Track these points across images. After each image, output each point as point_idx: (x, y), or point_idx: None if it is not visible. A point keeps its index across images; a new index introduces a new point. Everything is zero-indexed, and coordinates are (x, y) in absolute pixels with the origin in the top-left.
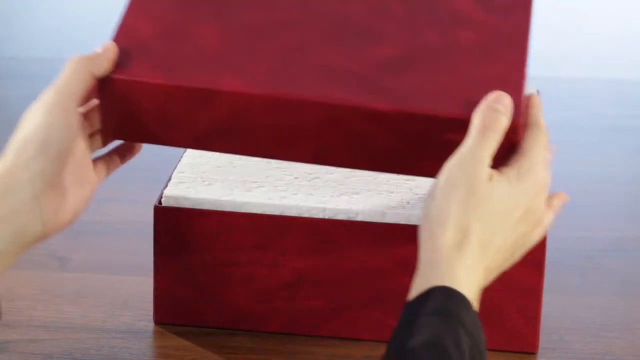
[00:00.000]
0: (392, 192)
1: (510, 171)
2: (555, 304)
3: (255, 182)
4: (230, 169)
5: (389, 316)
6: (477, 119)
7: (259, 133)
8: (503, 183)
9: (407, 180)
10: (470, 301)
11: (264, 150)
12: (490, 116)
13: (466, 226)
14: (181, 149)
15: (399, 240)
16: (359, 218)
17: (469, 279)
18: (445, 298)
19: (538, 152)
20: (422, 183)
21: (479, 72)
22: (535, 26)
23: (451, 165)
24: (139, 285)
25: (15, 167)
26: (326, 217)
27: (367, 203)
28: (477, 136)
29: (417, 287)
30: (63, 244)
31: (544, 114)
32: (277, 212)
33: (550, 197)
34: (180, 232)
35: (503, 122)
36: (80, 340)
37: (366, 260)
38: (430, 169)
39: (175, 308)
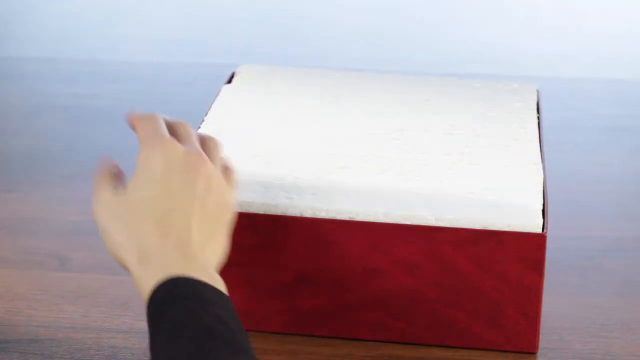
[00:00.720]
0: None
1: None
2: (555, 304)
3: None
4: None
5: (389, 316)
6: None
7: None
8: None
9: (406, 181)
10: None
11: None
12: None
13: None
14: None
15: (399, 240)
16: (359, 218)
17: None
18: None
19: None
20: (422, 184)
21: None
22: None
23: None
24: None
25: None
26: (326, 217)
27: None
28: None
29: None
30: (63, 244)
31: (544, 113)
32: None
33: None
34: None
35: None
36: (80, 340)
37: (366, 260)
38: None
39: None
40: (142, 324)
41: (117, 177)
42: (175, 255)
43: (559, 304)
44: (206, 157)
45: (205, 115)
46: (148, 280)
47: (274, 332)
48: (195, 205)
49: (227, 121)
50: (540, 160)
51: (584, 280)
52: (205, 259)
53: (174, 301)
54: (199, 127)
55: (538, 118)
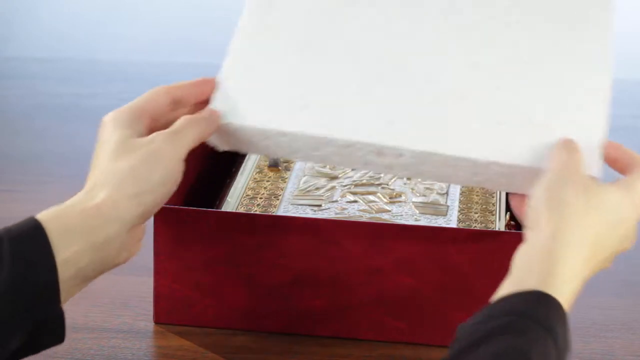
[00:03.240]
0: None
1: (620, 181)
2: None
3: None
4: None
5: (389, 316)
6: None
7: None
8: (615, 191)
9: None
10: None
11: None
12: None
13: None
14: None
15: (399, 240)
16: (363, 218)
17: (568, 286)
18: (536, 303)
19: None
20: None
21: None
22: None
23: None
24: (139, 285)
25: (119, 199)
26: (326, 217)
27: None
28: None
29: (507, 287)
30: None
31: None
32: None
33: None
34: (180, 232)
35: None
36: (80, 340)
37: (366, 260)
38: None
39: (175, 308)
40: (142, 324)
41: None
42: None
43: None
44: None
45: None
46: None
47: (274, 332)
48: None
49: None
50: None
51: None
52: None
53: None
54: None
55: None
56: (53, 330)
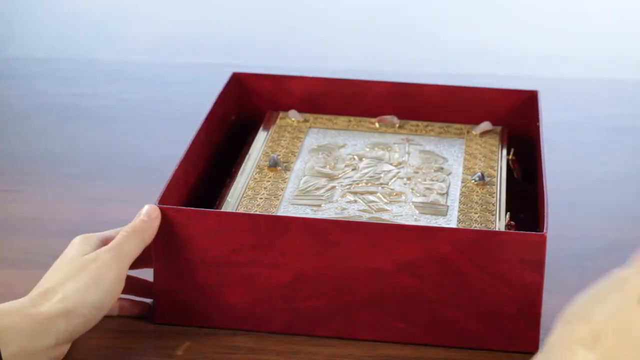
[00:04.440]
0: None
1: None
2: (555, 304)
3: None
4: None
5: (389, 316)
6: None
7: None
8: None
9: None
10: None
11: None
12: None
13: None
14: (181, 150)
15: (399, 240)
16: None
17: None
18: None
19: None
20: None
21: None
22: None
23: None
24: None
25: (57, 316)
26: (326, 218)
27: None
28: None
29: None
30: (63, 243)
31: (544, 113)
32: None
33: None
34: (180, 232)
35: None
36: (80, 340)
37: (366, 260)
38: None
39: (175, 308)
40: (142, 324)
41: None
42: None
43: (559, 304)
44: None
45: None
46: None
47: (274, 332)
48: None
49: None
50: None
51: (584, 280)
52: None
53: None
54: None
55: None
56: None
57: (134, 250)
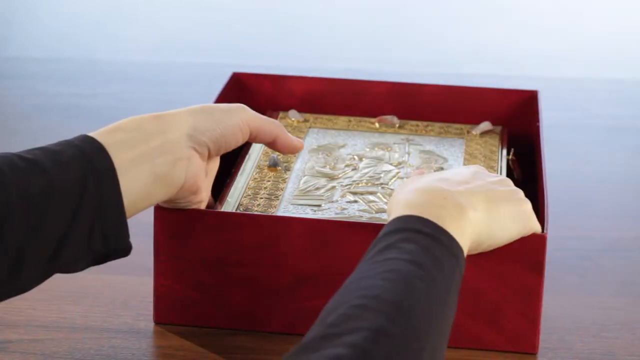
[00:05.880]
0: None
1: None
2: (555, 304)
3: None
4: None
5: None
6: None
7: None
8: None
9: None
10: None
11: None
12: None
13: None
14: None
15: None
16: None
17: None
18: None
19: None
20: None
21: None
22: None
23: None
24: (139, 285)
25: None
26: (326, 218)
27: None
28: None
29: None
30: None
31: (545, 113)
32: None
33: None
34: (180, 232)
35: None
36: (80, 340)
37: None
38: None
39: (175, 308)
40: (142, 324)
41: None
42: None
43: (559, 304)
44: None
45: None
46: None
47: (274, 332)
48: None
49: None
50: None
51: (584, 280)
52: None
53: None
54: None
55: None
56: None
57: (270, 131)
